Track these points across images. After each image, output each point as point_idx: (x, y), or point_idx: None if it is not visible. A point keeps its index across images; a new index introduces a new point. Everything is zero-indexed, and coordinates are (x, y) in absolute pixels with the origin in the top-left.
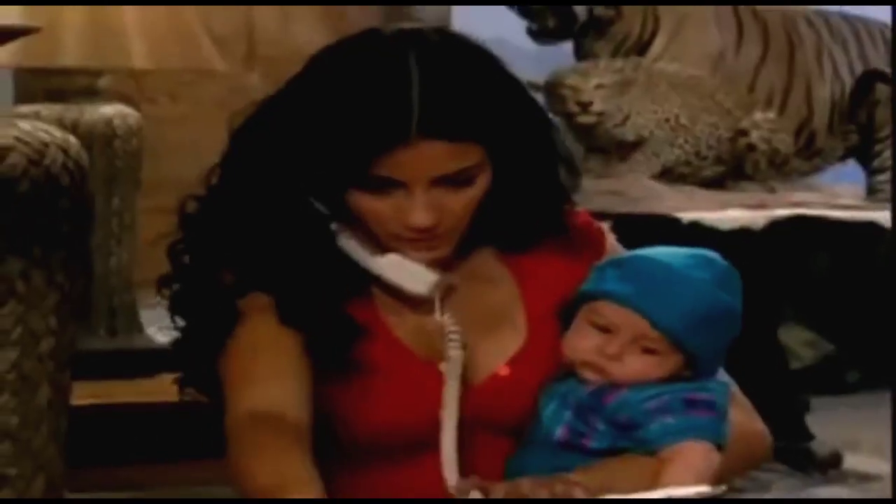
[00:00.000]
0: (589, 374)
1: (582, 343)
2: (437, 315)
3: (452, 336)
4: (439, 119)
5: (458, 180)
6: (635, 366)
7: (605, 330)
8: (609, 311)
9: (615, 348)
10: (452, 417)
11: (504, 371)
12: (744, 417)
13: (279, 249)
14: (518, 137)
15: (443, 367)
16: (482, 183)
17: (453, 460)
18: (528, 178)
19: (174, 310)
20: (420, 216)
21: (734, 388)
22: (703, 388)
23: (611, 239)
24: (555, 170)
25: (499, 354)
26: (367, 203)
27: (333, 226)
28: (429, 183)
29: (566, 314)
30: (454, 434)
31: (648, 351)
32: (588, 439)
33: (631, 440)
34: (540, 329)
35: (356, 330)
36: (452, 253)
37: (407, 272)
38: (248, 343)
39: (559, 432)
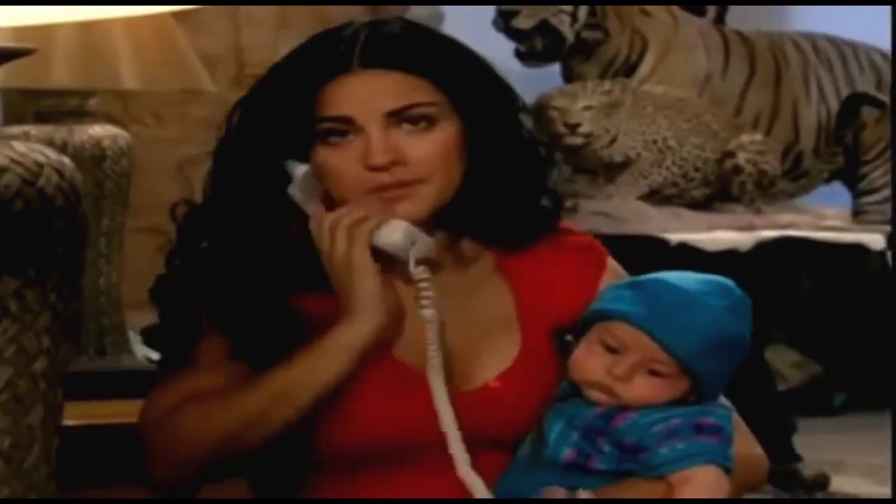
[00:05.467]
0: (596, 395)
1: (591, 363)
2: (410, 267)
3: (424, 291)
4: (381, 48)
5: (413, 118)
6: (643, 388)
7: (614, 351)
8: (620, 332)
9: (623, 369)
10: (449, 418)
11: (495, 384)
12: (743, 442)
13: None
14: (477, 89)
15: (427, 370)
16: (447, 131)
17: (466, 462)
18: (503, 148)
19: (149, 342)
20: (377, 154)
21: (734, 414)
22: (710, 413)
23: (611, 260)
24: (526, 141)
25: (492, 365)
26: (330, 158)
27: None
28: (383, 121)
29: (575, 332)
30: (458, 436)
31: (655, 373)
32: (594, 461)
33: (636, 463)
34: (533, 344)
35: (299, 328)
36: (450, 261)
37: (382, 226)
38: (192, 358)
39: (566, 454)
